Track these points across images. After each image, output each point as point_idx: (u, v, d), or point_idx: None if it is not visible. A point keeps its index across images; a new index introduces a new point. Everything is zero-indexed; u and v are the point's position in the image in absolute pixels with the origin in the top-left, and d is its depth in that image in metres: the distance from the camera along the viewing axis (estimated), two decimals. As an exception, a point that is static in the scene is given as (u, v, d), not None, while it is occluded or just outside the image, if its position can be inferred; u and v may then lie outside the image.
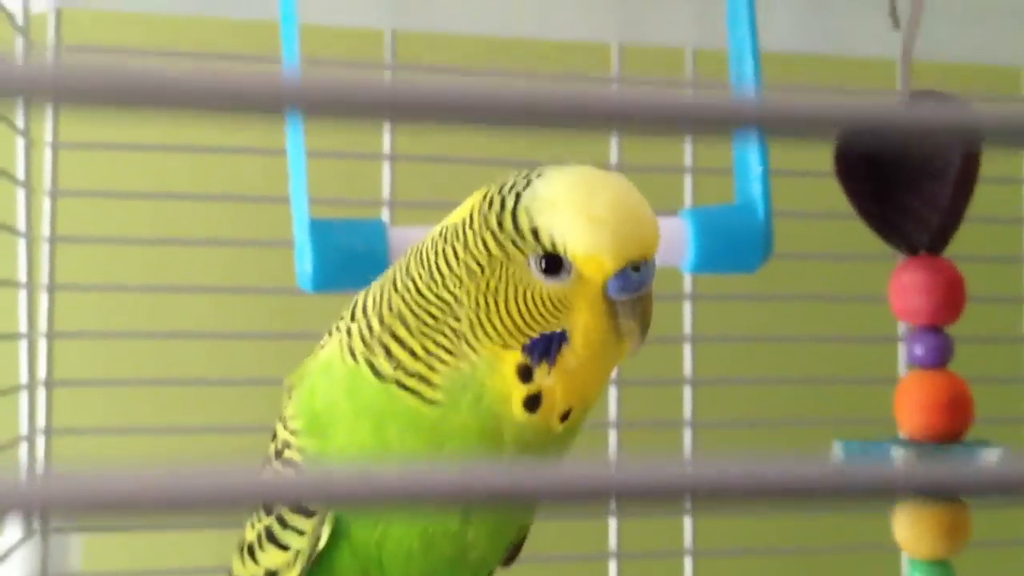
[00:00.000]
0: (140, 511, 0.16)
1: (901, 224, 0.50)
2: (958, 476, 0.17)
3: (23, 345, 0.58)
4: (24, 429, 0.58)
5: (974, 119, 0.17)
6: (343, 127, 0.53)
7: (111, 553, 0.62)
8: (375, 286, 0.34)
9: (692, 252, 0.47)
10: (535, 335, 0.31)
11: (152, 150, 0.62)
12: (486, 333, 0.31)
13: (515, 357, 0.31)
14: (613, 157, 0.63)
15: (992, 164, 0.53)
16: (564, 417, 0.32)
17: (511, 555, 0.39)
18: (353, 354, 0.33)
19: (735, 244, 0.46)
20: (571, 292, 0.31)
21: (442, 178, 0.61)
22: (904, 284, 0.49)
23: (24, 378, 0.57)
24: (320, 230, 0.46)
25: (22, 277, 0.58)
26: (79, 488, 0.16)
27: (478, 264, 0.32)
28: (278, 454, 0.34)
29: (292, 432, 0.34)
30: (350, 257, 0.46)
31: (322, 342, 0.35)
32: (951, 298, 0.49)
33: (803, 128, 0.17)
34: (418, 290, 0.32)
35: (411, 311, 0.32)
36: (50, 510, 0.16)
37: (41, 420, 0.59)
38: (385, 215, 0.59)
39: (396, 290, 0.33)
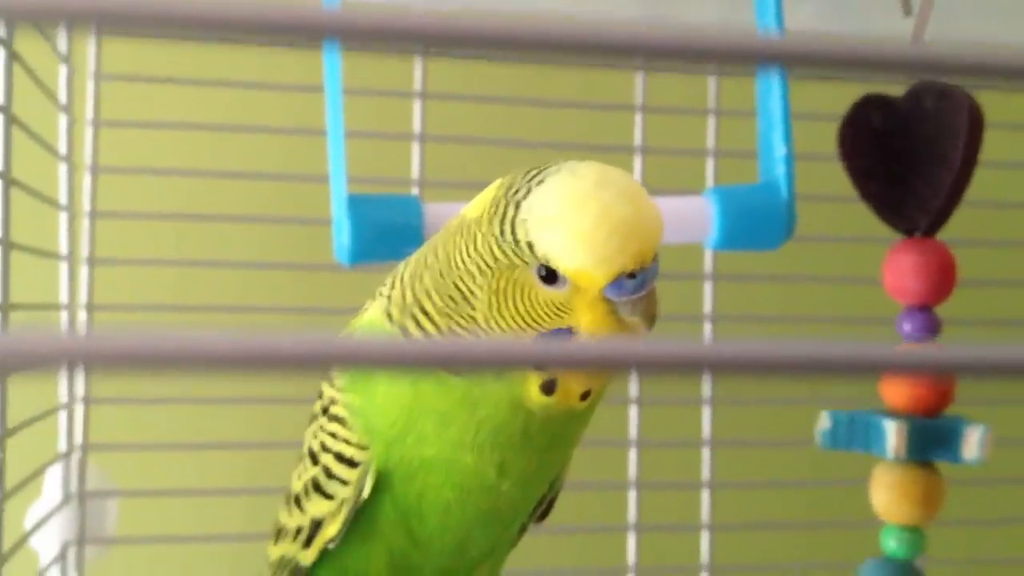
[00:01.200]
0: (176, 366, 0.18)
1: (901, 206, 0.52)
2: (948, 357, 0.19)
3: (63, 316, 0.60)
4: (64, 395, 0.60)
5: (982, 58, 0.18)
6: (377, 106, 0.55)
7: (146, 518, 0.64)
8: (414, 257, 0.36)
9: (716, 230, 0.48)
10: (544, 331, 0.33)
11: (193, 129, 0.63)
12: (499, 327, 0.33)
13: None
14: (637, 139, 0.64)
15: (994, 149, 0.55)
16: (584, 396, 0.34)
17: (544, 510, 0.40)
18: (391, 318, 0.34)
19: (758, 222, 0.48)
20: (571, 298, 0.33)
21: (470, 158, 0.63)
22: (898, 265, 0.52)
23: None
24: (358, 205, 0.48)
25: (63, 250, 0.59)
26: (119, 343, 0.17)
27: (487, 265, 0.33)
28: (324, 410, 0.36)
29: (338, 389, 0.36)
30: (386, 231, 0.48)
31: (366, 305, 0.36)
32: (941, 279, 0.51)
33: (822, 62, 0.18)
34: (441, 275, 0.34)
35: (436, 291, 0.34)
36: (91, 364, 0.18)
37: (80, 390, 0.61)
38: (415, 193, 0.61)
39: (427, 267, 0.35)
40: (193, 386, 0.63)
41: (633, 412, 0.64)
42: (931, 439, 0.53)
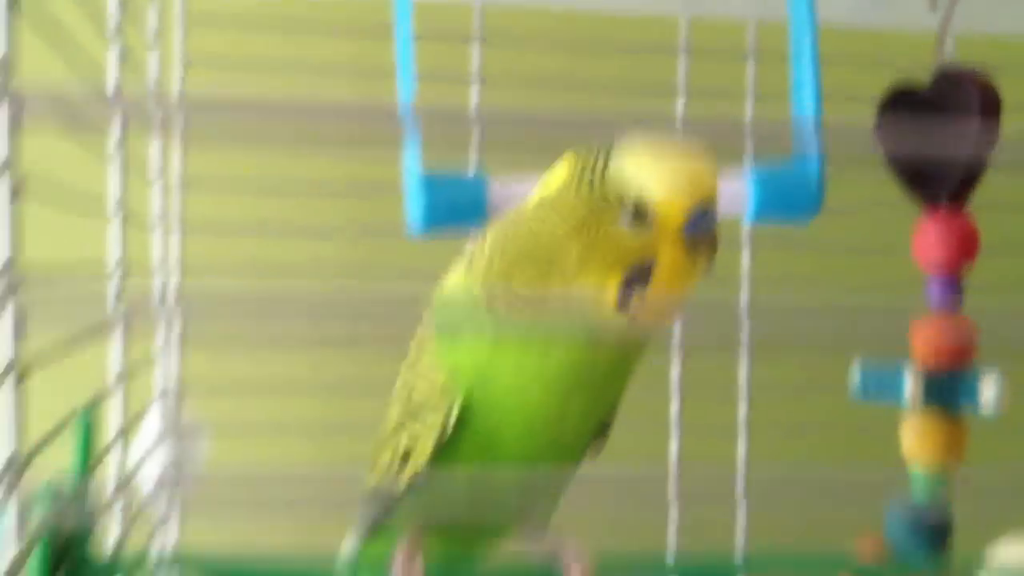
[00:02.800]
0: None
1: (927, 183, 0.57)
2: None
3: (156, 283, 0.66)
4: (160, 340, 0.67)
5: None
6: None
7: (233, 454, 0.70)
8: (496, 229, 0.41)
9: (753, 204, 0.53)
10: (629, 270, 0.38)
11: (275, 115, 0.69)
12: (595, 268, 0.39)
13: (615, 283, 0.38)
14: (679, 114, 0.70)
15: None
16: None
17: (602, 432, 0.46)
18: (477, 284, 0.40)
19: (791, 198, 0.53)
20: (654, 238, 0.39)
21: (525, 143, 0.68)
22: (926, 237, 0.57)
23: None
24: (430, 181, 0.53)
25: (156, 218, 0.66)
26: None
27: (576, 227, 0.39)
28: (417, 357, 0.42)
29: (429, 339, 0.42)
30: (454, 205, 0.53)
31: (455, 266, 0.42)
32: (965, 249, 0.57)
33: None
34: (527, 245, 0.40)
35: (526, 259, 0.40)
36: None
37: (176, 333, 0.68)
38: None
39: (509, 239, 0.40)
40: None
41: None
42: (949, 390, 0.58)
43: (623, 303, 0.39)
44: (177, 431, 0.65)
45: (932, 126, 0.59)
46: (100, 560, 0.39)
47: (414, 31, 0.55)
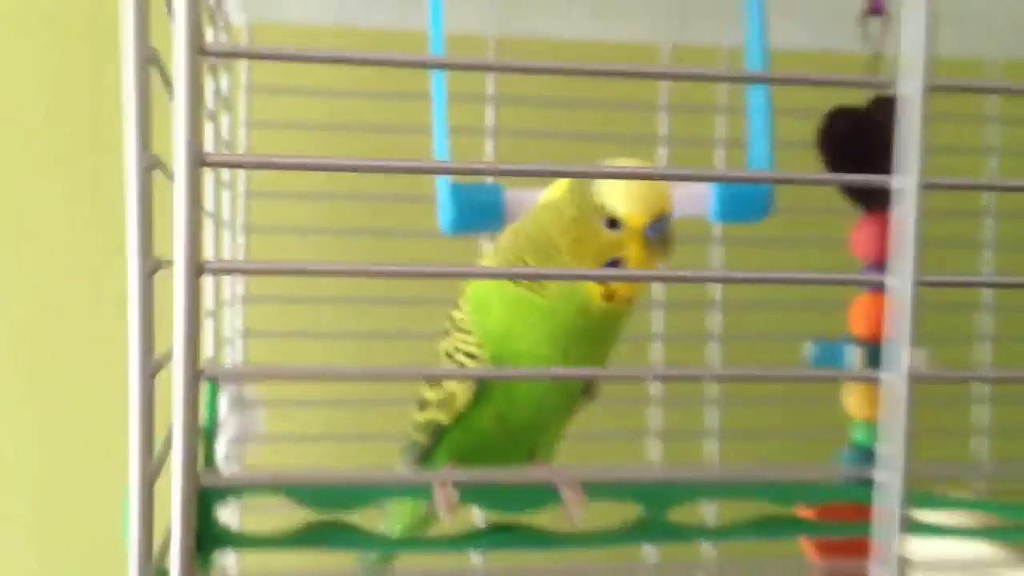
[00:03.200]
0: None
1: (862, 191, 0.69)
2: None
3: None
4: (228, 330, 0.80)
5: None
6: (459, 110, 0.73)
7: (286, 423, 0.83)
8: (510, 229, 0.54)
9: (715, 205, 0.66)
10: (606, 261, 0.51)
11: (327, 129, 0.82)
12: (579, 262, 0.51)
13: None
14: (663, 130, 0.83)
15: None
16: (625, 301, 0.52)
17: (591, 391, 0.57)
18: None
19: (746, 201, 0.66)
20: (624, 237, 0.51)
21: (532, 153, 0.82)
22: (862, 234, 0.69)
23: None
24: (457, 190, 0.66)
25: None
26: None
27: (570, 224, 0.51)
28: (455, 326, 0.55)
29: (464, 311, 0.55)
30: (477, 209, 0.66)
31: (484, 256, 0.55)
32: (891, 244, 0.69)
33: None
34: (536, 236, 0.52)
35: (534, 246, 0.52)
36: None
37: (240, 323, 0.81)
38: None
39: (522, 233, 0.53)
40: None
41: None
42: (879, 358, 0.70)
43: (603, 283, 0.51)
44: (240, 404, 0.77)
45: (865, 144, 0.71)
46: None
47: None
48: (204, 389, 0.50)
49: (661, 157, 0.82)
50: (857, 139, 0.70)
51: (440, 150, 0.64)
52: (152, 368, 0.32)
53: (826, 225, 0.76)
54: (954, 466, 0.65)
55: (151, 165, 0.32)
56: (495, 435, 0.55)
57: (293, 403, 0.79)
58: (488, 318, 0.53)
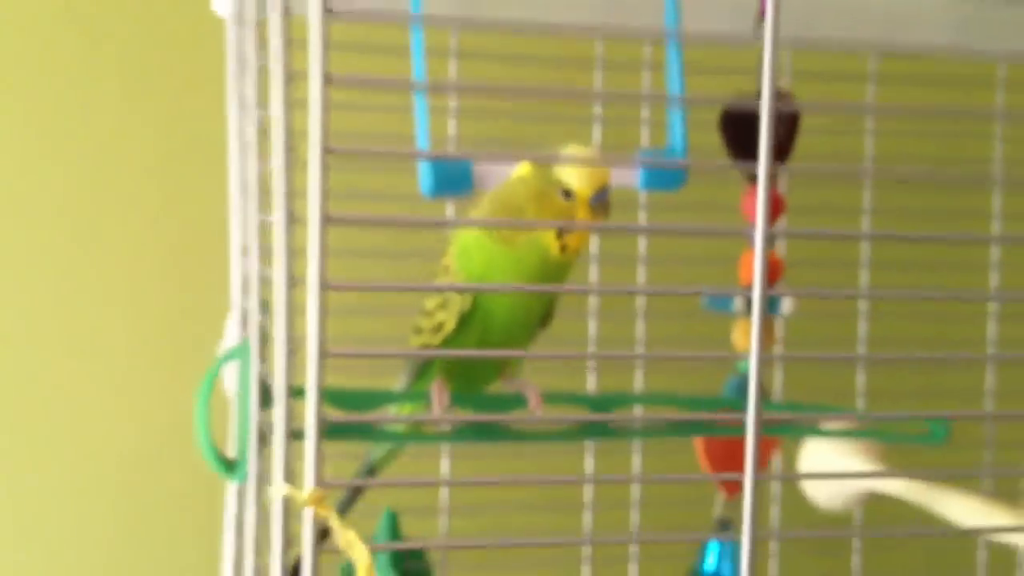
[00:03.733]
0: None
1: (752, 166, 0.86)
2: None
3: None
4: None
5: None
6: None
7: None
8: (488, 196, 0.71)
9: (641, 177, 0.83)
10: (560, 221, 0.68)
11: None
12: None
13: (554, 231, 0.68)
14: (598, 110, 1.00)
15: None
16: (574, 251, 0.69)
17: (546, 321, 0.75)
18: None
19: (666, 172, 0.83)
20: (575, 205, 0.68)
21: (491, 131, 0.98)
22: (748, 202, 0.87)
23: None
24: (435, 163, 0.82)
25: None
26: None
27: (537, 194, 0.68)
28: (444, 270, 0.72)
29: (451, 256, 0.71)
30: (450, 178, 0.82)
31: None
32: (775, 209, 0.86)
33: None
34: (512, 202, 0.69)
35: (506, 211, 0.69)
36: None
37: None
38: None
39: (499, 201, 0.70)
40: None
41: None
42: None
43: (558, 238, 0.68)
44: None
45: (753, 125, 0.89)
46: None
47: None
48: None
49: (597, 135, 0.99)
50: (746, 125, 0.87)
51: (422, 138, 0.80)
52: (292, 352, 0.47)
53: (730, 193, 0.93)
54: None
55: (293, 219, 0.47)
56: (479, 360, 0.72)
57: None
58: (470, 263, 0.70)
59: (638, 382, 1.02)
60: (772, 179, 0.86)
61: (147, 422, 1.13)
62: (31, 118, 1.10)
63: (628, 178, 0.82)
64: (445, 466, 1.01)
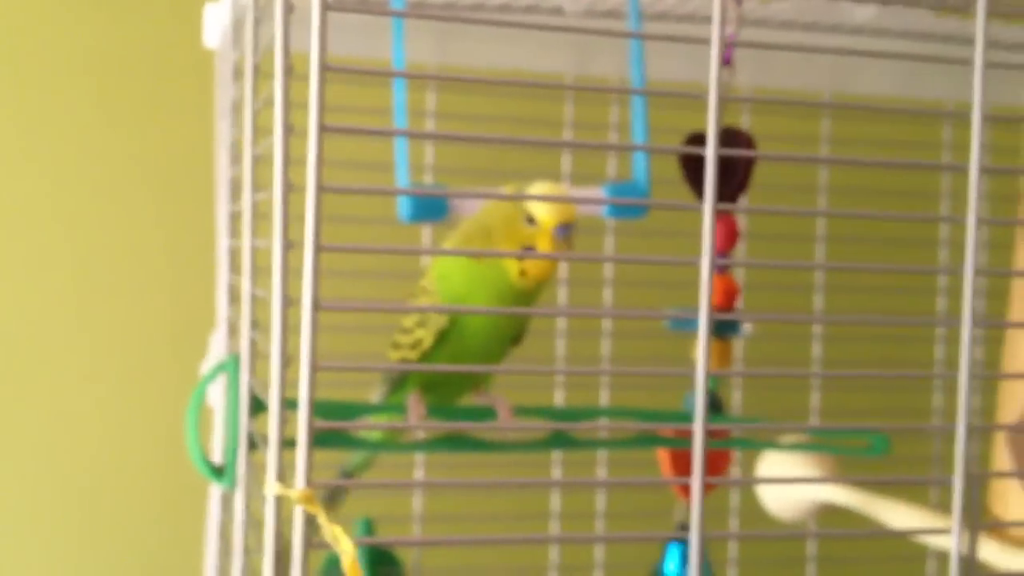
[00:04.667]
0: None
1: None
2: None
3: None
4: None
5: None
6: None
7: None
8: (466, 221, 0.76)
9: (607, 208, 0.89)
10: (523, 246, 0.71)
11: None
12: (508, 247, 0.71)
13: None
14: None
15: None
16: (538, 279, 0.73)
17: (519, 338, 0.75)
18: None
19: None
20: (539, 233, 0.72)
21: (465, 160, 1.04)
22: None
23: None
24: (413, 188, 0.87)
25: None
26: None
27: (507, 220, 0.72)
28: (424, 291, 0.76)
29: (431, 280, 0.75)
30: (427, 204, 0.87)
31: (445, 242, 0.77)
32: (731, 237, 0.90)
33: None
34: (485, 226, 0.73)
35: (480, 234, 0.72)
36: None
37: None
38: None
39: (475, 225, 0.74)
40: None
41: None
42: (721, 324, 0.93)
43: (518, 263, 0.71)
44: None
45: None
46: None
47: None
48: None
49: (566, 164, 1.05)
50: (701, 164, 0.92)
51: (402, 174, 0.85)
52: (284, 366, 0.52)
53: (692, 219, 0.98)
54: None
55: (288, 247, 0.52)
56: (452, 375, 0.76)
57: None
58: (449, 285, 0.74)
59: (604, 398, 1.08)
60: (722, 212, 0.92)
61: (128, 431, 1.17)
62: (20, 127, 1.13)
63: (595, 207, 0.88)
64: (419, 476, 1.06)
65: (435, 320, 0.73)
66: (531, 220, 0.72)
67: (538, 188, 0.72)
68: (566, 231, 0.72)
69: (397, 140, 0.85)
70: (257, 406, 0.70)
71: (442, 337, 0.74)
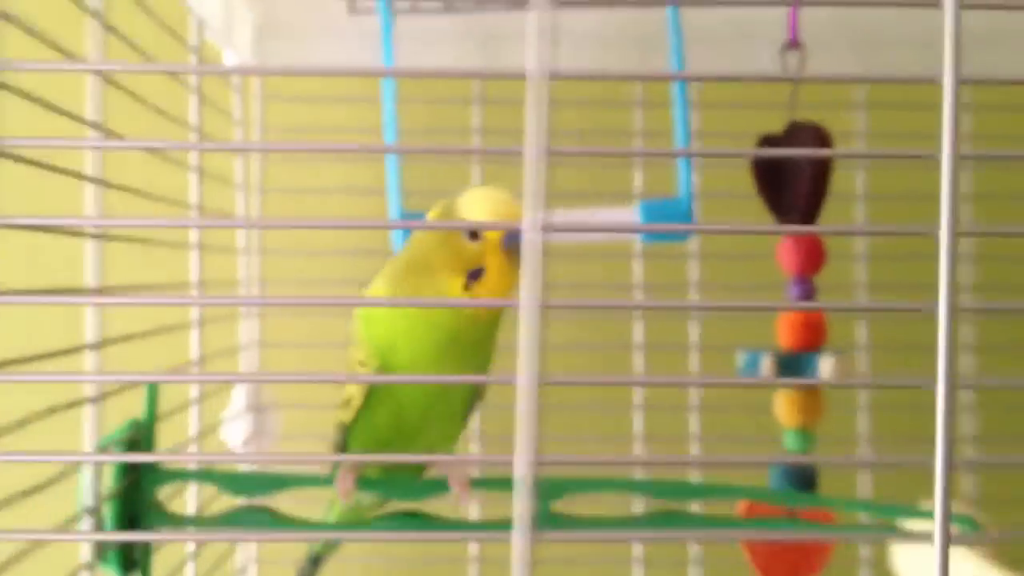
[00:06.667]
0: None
1: (786, 209, 0.75)
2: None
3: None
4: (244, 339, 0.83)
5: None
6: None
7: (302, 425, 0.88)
8: (395, 256, 0.60)
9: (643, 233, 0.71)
10: (470, 270, 0.56)
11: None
12: (450, 274, 0.57)
13: (461, 279, 0.56)
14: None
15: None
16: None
17: (479, 393, 0.63)
18: (388, 283, 0.59)
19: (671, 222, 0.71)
20: (484, 247, 0.56)
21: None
22: (786, 247, 0.75)
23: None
24: (404, 215, 0.70)
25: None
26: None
27: (442, 242, 0.57)
28: (352, 339, 0.60)
29: (357, 325, 0.59)
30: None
31: (375, 280, 0.60)
32: (814, 257, 0.75)
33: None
34: (418, 257, 0.58)
35: (414, 268, 0.58)
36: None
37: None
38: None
39: (405, 258, 0.59)
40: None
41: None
42: (797, 367, 0.75)
43: (467, 289, 0.56)
44: (257, 406, 0.87)
45: (784, 166, 0.77)
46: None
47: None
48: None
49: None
50: (777, 163, 0.75)
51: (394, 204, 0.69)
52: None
53: (751, 241, 0.82)
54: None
55: None
56: (392, 434, 0.60)
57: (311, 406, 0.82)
58: (375, 330, 0.59)
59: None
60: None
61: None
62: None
63: (625, 227, 0.71)
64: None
65: (367, 370, 0.59)
66: (474, 235, 0.57)
67: (475, 197, 0.58)
68: (516, 239, 0.56)
69: (388, 169, 0.69)
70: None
71: (373, 392, 0.60)
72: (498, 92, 0.90)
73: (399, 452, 0.60)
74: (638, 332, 0.92)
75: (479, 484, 0.58)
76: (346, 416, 0.61)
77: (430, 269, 0.57)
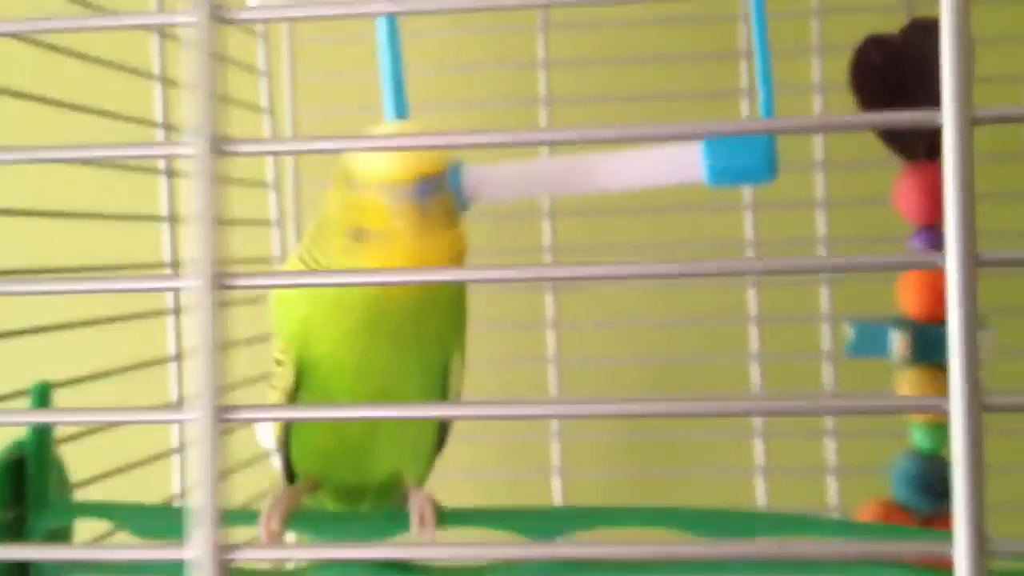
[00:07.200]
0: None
1: (904, 134, 0.58)
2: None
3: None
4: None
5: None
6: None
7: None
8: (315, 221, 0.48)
9: (708, 171, 0.55)
10: (350, 230, 0.44)
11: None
12: (341, 235, 0.44)
13: (351, 244, 0.44)
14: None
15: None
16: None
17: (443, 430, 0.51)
18: (300, 254, 0.47)
19: (743, 162, 0.54)
20: (370, 203, 0.44)
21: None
22: (907, 188, 0.58)
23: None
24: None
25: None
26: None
27: (338, 199, 0.45)
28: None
29: (272, 314, 0.48)
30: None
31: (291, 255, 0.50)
32: (935, 197, 0.57)
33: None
34: (325, 221, 0.46)
35: (321, 234, 0.46)
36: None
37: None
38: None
39: (317, 222, 0.47)
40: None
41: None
42: (936, 343, 0.59)
43: (344, 252, 0.44)
44: None
45: (905, 78, 0.60)
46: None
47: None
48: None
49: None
50: (893, 71, 0.58)
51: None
52: None
53: (863, 181, 0.64)
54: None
55: None
56: (334, 442, 0.50)
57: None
58: (288, 318, 0.47)
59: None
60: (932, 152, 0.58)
61: None
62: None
63: (687, 172, 0.54)
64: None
65: (284, 368, 0.48)
66: (351, 182, 0.45)
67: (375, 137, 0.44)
68: (425, 190, 0.44)
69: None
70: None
71: (299, 390, 0.48)
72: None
73: (349, 465, 0.50)
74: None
75: (448, 518, 0.46)
76: (277, 428, 0.50)
77: (336, 236, 0.45)
